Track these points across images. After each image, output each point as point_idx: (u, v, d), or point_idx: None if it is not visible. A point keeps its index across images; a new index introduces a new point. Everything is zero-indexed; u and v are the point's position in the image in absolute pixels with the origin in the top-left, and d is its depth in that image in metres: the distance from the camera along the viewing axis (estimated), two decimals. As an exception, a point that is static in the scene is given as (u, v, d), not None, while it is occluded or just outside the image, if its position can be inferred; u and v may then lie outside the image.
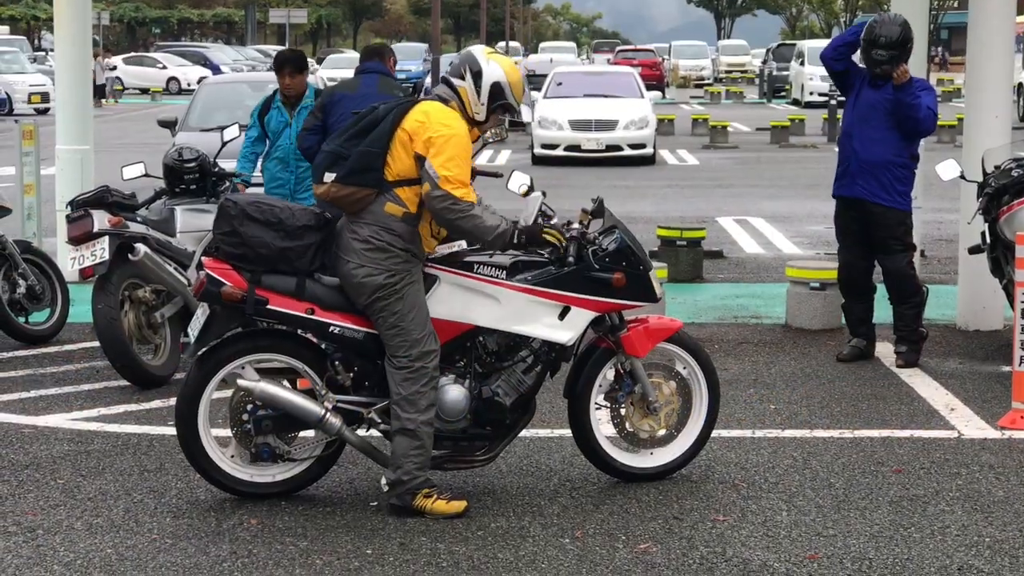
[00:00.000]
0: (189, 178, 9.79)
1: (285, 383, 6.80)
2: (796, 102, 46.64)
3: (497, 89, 6.68)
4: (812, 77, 44.00)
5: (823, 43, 48.73)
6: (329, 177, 6.56)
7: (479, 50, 6.82)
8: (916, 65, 10.49)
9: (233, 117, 14.35)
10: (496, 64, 6.72)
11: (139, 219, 9.46)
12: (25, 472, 7.45)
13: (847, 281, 10.05)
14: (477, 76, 6.68)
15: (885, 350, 10.10)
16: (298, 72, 10.44)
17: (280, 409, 6.71)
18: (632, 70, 31.02)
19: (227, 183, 10.01)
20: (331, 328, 6.67)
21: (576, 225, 6.85)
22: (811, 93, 44.21)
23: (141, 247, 9.07)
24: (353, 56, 51.62)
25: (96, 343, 9.66)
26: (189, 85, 51.48)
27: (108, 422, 8.44)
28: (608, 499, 6.96)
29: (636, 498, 6.97)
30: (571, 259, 6.75)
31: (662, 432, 7.16)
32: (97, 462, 7.63)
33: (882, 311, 10.18)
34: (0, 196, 10.77)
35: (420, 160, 6.53)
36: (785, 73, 51.04)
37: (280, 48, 10.68)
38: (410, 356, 6.55)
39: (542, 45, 78.97)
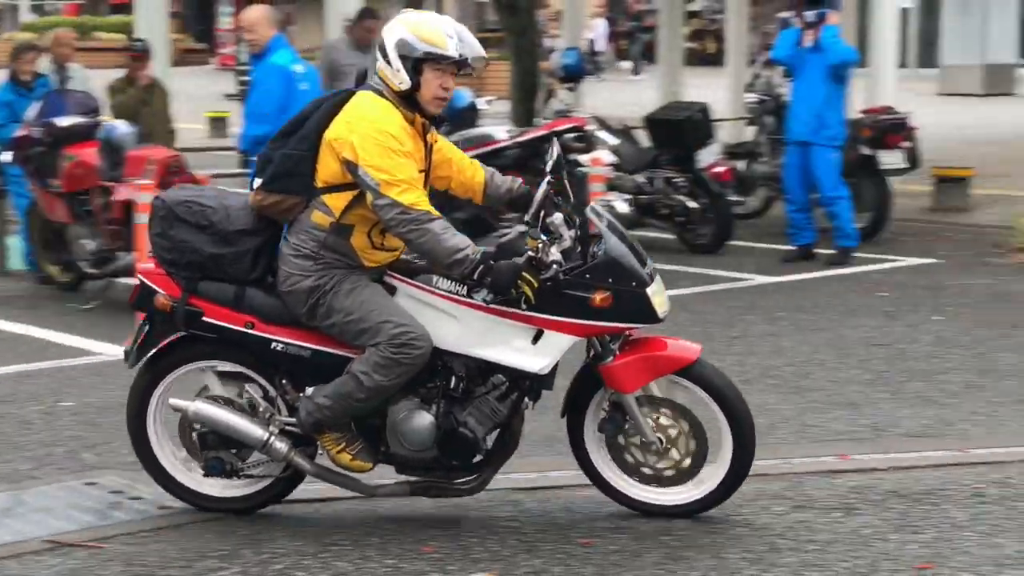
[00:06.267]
0: None
1: (235, 397, 6.09)
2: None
3: (402, 44, 5.71)
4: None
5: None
6: (257, 183, 5.89)
7: (383, 28, 5.90)
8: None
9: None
10: (394, 23, 5.82)
11: None
12: None
13: None
14: (383, 50, 5.78)
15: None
16: None
17: (219, 431, 6.02)
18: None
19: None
20: (273, 345, 5.91)
21: (556, 255, 5.68)
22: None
23: None
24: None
25: None
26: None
27: None
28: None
29: None
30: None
31: (669, 472, 6.12)
32: None
33: None
34: None
35: (349, 166, 5.69)
36: None
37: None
38: (394, 344, 5.65)
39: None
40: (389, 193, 5.59)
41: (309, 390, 5.87)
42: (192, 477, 6.19)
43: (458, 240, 5.61)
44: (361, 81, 5.96)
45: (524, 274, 5.58)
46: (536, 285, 5.59)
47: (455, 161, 6.15)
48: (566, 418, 6.13)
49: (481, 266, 5.58)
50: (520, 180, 6.21)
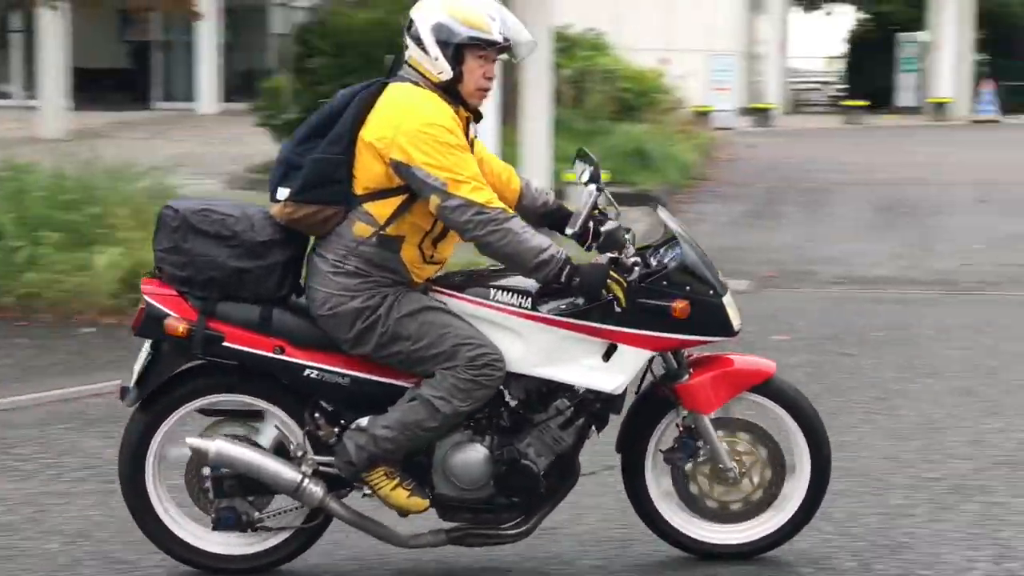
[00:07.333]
0: None
1: (250, 437, 5.33)
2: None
3: (441, 29, 5.06)
4: None
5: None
6: (282, 193, 5.12)
7: (415, 6, 5.19)
8: None
9: None
10: (426, 4, 5.15)
11: None
12: None
13: None
14: (415, 36, 5.11)
15: None
16: None
17: (245, 474, 5.23)
18: None
19: None
20: (306, 372, 5.18)
21: (634, 258, 5.17)
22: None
23: None
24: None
25: None
26: None
27: None
28: None
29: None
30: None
31: (740, 505, 5.50)
32: None
33: None
34: None
35: (400, 168, 5.02)
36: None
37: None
38: (475, 365, 5.03)
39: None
40: (459, 192, 4.94)
41: (363, 421, 5.17)
42: (194, 533, 5.42)
43: (540, 239, 5.02)
44: (391, 71, 5.22)
45: (612, 273, 5.03)
46: (625, 285, 5.05)
47: (487, 161, 5.47)
48: (622, 452, 5.50)
49: (568, 266, 4.99)
50: (553, 193, 5.64)
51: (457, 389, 5.06)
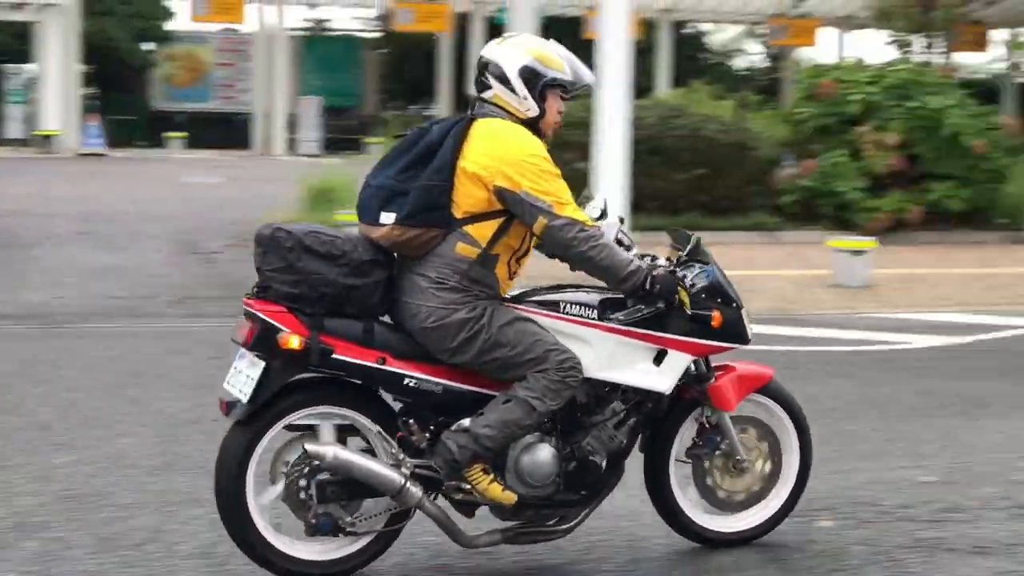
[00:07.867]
0: None
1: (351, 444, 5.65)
2: None
3: (529, 72, 5.66)
4: None
5: None
6: (387, 218, 5.50)
7: (488, 49, 5.75)
8: None
9: None
10: (509, 47, 5.71)
11: None
12: None
13: None
14: (500, 76, 5.66)
15: None
16: None
17: (355, 477, 5.47)
18: None
19: None
20: (406, 380, 5.54)
21: (662, 261, 5.87)
22: None
23: None
24: None
25: None
26: None
27: None
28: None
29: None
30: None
31: (746, 494, 6.22)
32: None
33: None
34: None
35: (504, 194, 5.53)
36: None
37: None
38: (563, 368, 5.55)
39: None
40: (565, 213, 5.53)
41: (465, 422, 5.56)
42: (285, 541, 5.60)
43: (625, 253, 5.66)
44: (470, 107, 5.77)
45: (680, 282, 5.69)
46: (688, 292, 5.68)
47: None
48: (645, 452, 6.08)
49: (650, 275, 5.63)
50: None
51: (549, 390, 5.56)
